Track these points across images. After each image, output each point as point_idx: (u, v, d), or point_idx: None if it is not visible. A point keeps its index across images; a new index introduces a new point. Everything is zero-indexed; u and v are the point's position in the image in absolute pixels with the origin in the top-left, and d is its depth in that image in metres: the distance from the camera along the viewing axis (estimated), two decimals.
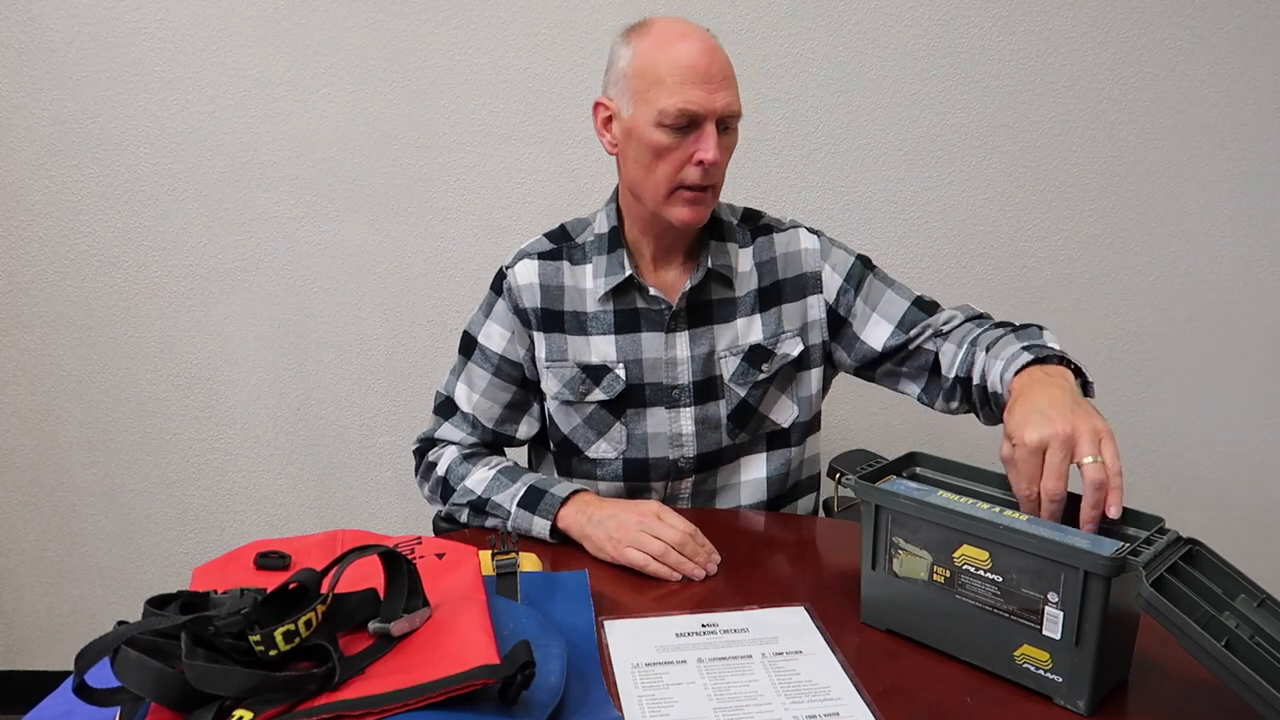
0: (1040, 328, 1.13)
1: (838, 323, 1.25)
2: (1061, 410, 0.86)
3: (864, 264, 1.27)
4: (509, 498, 1.14)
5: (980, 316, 1.22)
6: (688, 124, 1.10)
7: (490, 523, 1.17)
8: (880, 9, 1.80)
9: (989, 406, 1.12)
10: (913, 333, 1.21)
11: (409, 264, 1.90)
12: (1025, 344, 1.04)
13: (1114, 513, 0.80)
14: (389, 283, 1.91)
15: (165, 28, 1.79)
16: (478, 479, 1.19)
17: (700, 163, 1.11)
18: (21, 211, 1.88)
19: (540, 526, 1.11)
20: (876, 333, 1.23)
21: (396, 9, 1.79)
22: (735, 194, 1.42)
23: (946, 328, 1.20)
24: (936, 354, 1.19)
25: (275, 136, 1.84)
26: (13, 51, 1.80)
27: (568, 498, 1.11)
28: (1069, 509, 0.83)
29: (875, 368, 1.26)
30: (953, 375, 1.16)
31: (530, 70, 1.81)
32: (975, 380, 1.11)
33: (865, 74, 1.83)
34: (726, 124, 1.13)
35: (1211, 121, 1.84)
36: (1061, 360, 0.99)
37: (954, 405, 1.20)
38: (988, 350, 1.10)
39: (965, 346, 1.15)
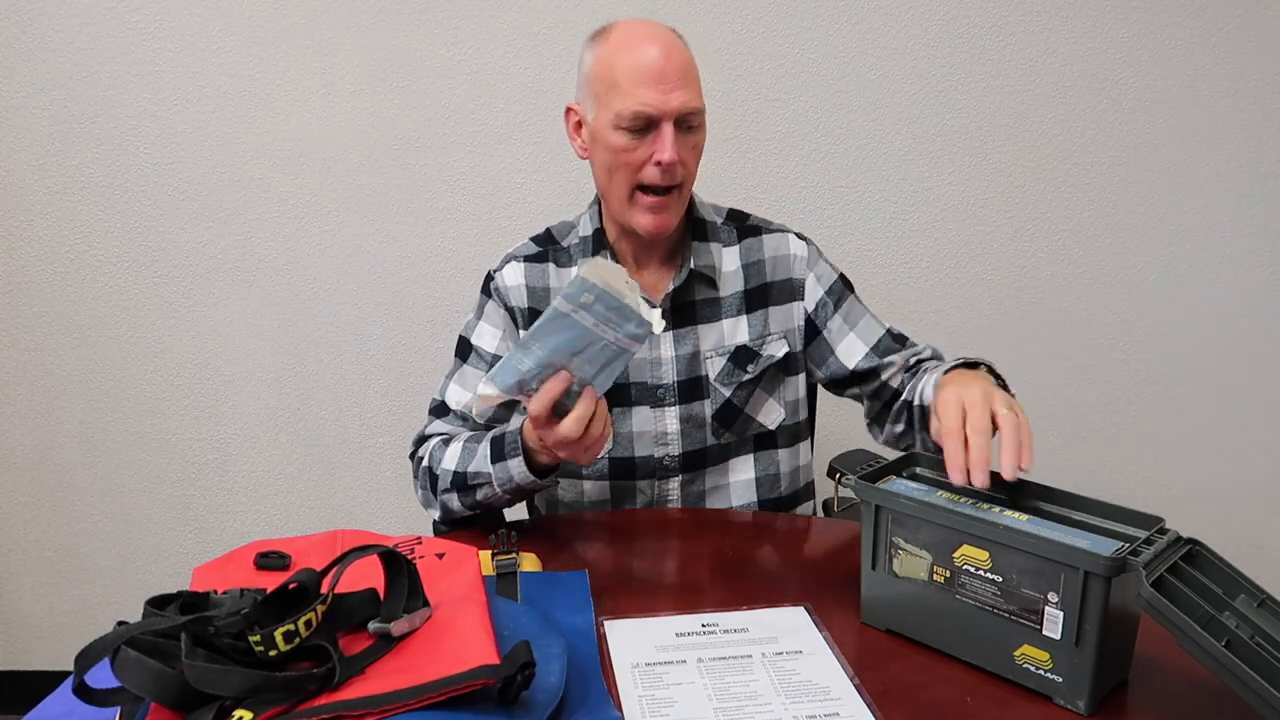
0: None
1: (812, 333, 1.28)
2: (978, 387, 0.92)
3: (845, 283, 1.30)
4: (482, 460, 1.12)
5: (941, 358, 1.26)
6: (644, 125, 1.11)
7: (481, 495, 1.13)
8: (880, 9, 1.80)
9: (921, 427, 1.16)
10: (885, 359, 1.24)
11: (409, 264, 1.90)
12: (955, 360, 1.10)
13: (1026, 463, 0.85)
14: (389, 283, 1.92)
15: (165, 28, 1.79)
16: (450, 455, 1.16)
17: (659, 163, 1.11)
18: (21, 211, 1.88)
19: (517, 466, 1.08)
20: (851, 352, 1.26)
21: (396, 9, 1.79)
22: (735, 194, 1.42)
23: (913, 360, 1.24)
24: (898, 390, 1.23)
25: (275, 136, 1.84)
26: (13, 51, 1.80)
27: (522, 428, 1.09)
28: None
29: (843, 387, 1.30)
30: (901, 400, 1.20)
31: (530, 70, 1.81)
32: (915, 401, 1.15)
33: (865, 74, 1.83)
34: (688, 123, 1.13)
35: (1211, 121, 1.84)
36: (988, 367, 1.06)
37: (899, 429, 1.23)
38: (926, 374, 1.16)
39: (915, 376, 1.20)
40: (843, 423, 1.95)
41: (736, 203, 1.35)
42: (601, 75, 1.13)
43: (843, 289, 1.29)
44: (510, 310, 1.26)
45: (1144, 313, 1.93)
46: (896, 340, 1.27)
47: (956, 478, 0.85)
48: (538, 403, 0.94)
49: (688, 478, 1.26)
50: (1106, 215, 1.89)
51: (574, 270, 1.25)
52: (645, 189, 1.15)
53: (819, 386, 1.38)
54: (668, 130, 1.10)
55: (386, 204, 1.88)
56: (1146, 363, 1.95)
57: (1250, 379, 1.95)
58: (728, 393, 1.24)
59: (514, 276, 1.26)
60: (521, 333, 1.26)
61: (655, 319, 0.91)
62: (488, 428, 1.27)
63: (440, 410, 1.27)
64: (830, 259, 1.32)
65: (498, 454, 1.10)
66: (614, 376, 0.96)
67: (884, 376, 1.25)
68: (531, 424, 0.98)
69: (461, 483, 1.14)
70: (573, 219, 1.31)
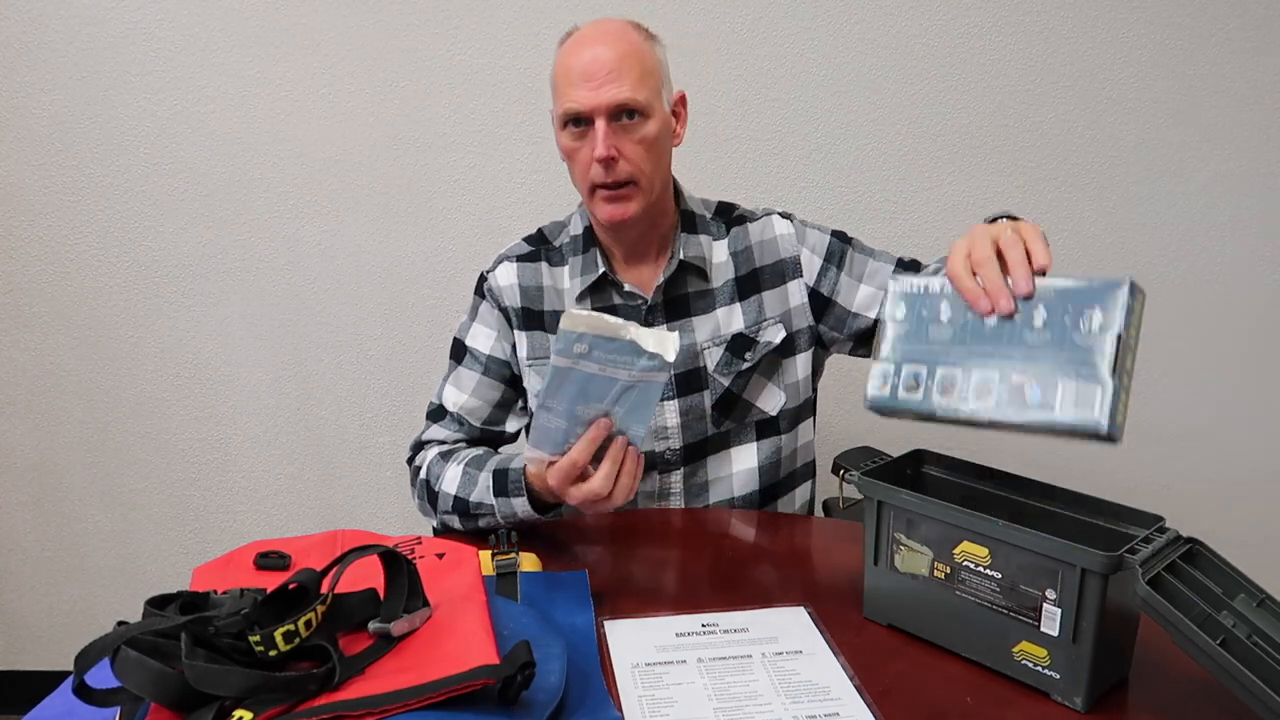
0: None
1: (822, 303, 1.26)
2: (982, 227, 0.87)
3: (840, 239, 1.27)
4: (485, 491, 1.12)
5: None
6: (582, 124, 1.14)
7: (484, 523, 1.14)
8: (880, 9, 1.80)
9: None
10: None
11: (409, 264, 1.90)
12: None
13: (1039, 260, 0.81)
14: (389, 283, 1.92)
15: (165, 28, 1.79)
16: (451, 478, 1.16)
17: (596, 159, 1.12)
18: (21, 211, 1.88)
19: (521, 505, 1.09)
20: (869, 302, 1.23)
21: (396, 9, 1.79)
22: (735, 194, 1.42)
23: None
24: None
25: (275, 136, 1.84)
26: (13, 51, 1.80)
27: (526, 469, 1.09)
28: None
29: (870, 342, 1.26)
30: None
31: (530, 70, 1.81)
32: None
33: (865, 74, 1.83)
34: (627, 115, 1.13)
35: (1211, 121, 1.84)
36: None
37: None
38: None
39: None
40: (846, 419, 1.95)
41: (732, 199, 1.35)
42: (553, 78, 1.18)
43: (840, 247, 1.26)
44: (504, 310, 1.27)
45: (1144, 312, 1.93)
46: (909, 269, 1.23)
47: (982, 307, 0.80)
48: (580, 451, 0.92)
49: (689, 469, 1.26)
50: (1106, 215, 1.89)
51: (564, 269, 1.26)
52: (596, 185, 1.16)
53: (842, 369, 1.34)
54: (600, 126, 1.12)
55: (386, 204, 1.88)
56: (1146, 363, 1.95)
57: (1251, 378, 1.95)
58: (726, 382, 1.24)
59: (506, 277, 1.27)
60: (515, 333, 1.27)
61: (668, 345, 0.86)
62: (485, 435, 1.28)
63: (437, 414, 1.28)
64: (817, 222, 1.30)
65: (500, 489, 1.10)
66: (649, 411, 0.92)
67: None
68: (561, 478, 0.94)
69: (464, 509, 1.15)
70: (564, 219, 1.32)
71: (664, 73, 1.18)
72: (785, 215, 1.29)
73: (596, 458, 0.93)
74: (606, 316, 0.86)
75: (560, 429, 0.91)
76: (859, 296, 1.24)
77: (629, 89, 1.12)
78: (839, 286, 1.25)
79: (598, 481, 0.93)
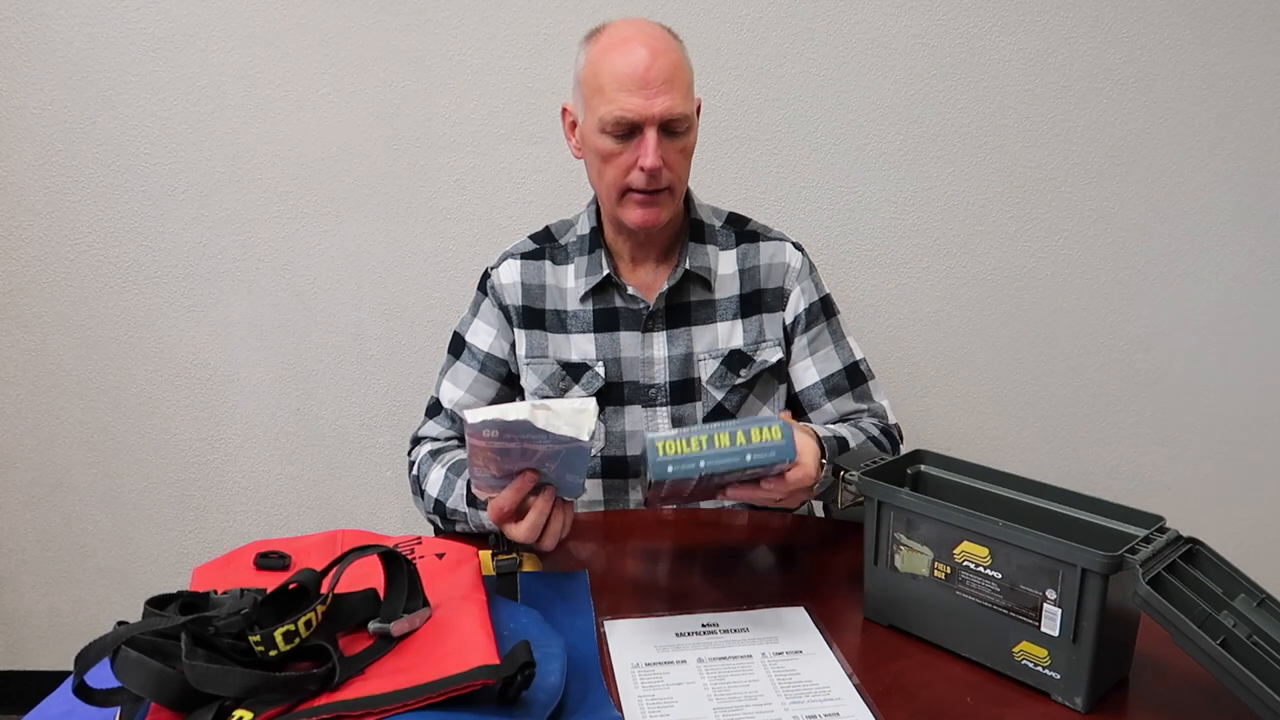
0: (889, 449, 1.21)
1: (787, 345, 1.29)
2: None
3: (825, 306, 1.29)
4: (459, 499, 1.13)
5: (881, 433, 1.24)
6: (628, 131, 1.12)
7: (459, 528, 1.15)
8: (880, 9, 1.80)
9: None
10: (821, 403, 1.26)
11: (409, 264, 1.90)
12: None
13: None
14: (389, 283, 1.92)
15: (165, 28, 1.79)
16: (433, 480, 1.18)
17: (643, 168, 1.11)
18: (21, 211, 1.88)
19: (487, 519, 1.07)
20: (801, 378, 1.27)
21: (396, 9, 1.79)
22: (735, 194, 1.42)
23: (848, 416, 1.26)
24: None
25: (275, 136, 1.84)
26: (13, 51, 1.80)
27: None
28: None
29: (794, 408, 1.31)
30: None
31: (531, 70, 1.81)
32: None
33: (865, 74, 1.83)
34: (673, 128, 1.13)
35: (1211, 121, 1.84)
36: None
37: None
38: None
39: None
40: None
41: (735, 202, 1.35)
42: (589, 79, 1.14)
43: (820, 311, 1.28)
44: (505, 309, 1.27)
45: (1143, 312, 1.93)
46: (852, 379, 1.27)
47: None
48: (506, 499, 0.94)
49: None
50: (1106, 215, 1.89)
51: (569, 268, 1.26)
52: (632, 190, 1.15)
53: None
54: (651, 136, 1.10)
55: (386, 204, 1.88)
56: (1146, 362, 1.95)
57: (1250, 378, 1.95)
58: (719, 396, 1.24)
59: (510, 274, 1.27)
60: (515, 330, 1.27)
61: (583, 422, 0.87)
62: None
63: (434, 409, 1.28)
64: (821, 278, 1.32)
65: (471, 500, 1.11)
66: (582, 470, 0.94)
67: (810, 414, 1.27)
68: (494, 517, 0.97)
69: (441, 512, 1.17)
70: (571, 217, 1.32)
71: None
72: (798, 246, 1.30)
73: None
74: (510, 408, 0.85)
75: (490, 475, 0.94)
76: (799, 365, 1.28)
77: (681, 101, 1.11)
78: (796, 343, 1.28)
79: (522, 532, 0.95)
